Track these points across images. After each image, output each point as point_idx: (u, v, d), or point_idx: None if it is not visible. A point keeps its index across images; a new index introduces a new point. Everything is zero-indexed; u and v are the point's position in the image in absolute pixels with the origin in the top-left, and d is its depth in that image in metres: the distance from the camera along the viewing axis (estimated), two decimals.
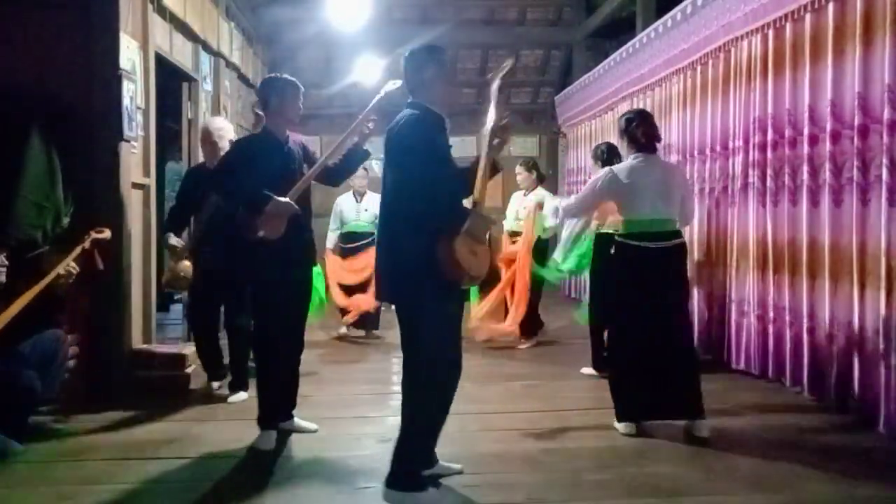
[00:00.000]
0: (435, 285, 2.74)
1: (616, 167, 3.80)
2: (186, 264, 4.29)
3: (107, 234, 3.87)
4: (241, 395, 4.31)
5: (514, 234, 6.05)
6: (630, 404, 3.68)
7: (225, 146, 4.26)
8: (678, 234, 3.70)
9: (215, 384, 4.48)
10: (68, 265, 3.59)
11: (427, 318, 2.80)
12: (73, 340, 4.00)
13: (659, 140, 3.87)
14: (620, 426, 3.69)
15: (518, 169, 6.17)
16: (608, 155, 4.82)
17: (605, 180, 3.74)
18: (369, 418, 4.03)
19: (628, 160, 3.77)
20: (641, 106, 6.86)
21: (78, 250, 3.68)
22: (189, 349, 4.66)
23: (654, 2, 7.67)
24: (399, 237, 2.82)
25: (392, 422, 3.94)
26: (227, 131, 4.48)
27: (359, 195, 6.53)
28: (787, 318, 4.41)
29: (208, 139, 4.40)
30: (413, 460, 2.89)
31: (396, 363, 5.57)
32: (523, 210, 6.01)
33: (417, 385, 2.85)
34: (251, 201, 3.44)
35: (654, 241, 3.61)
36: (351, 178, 6.60)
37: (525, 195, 6.13)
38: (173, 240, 4.33)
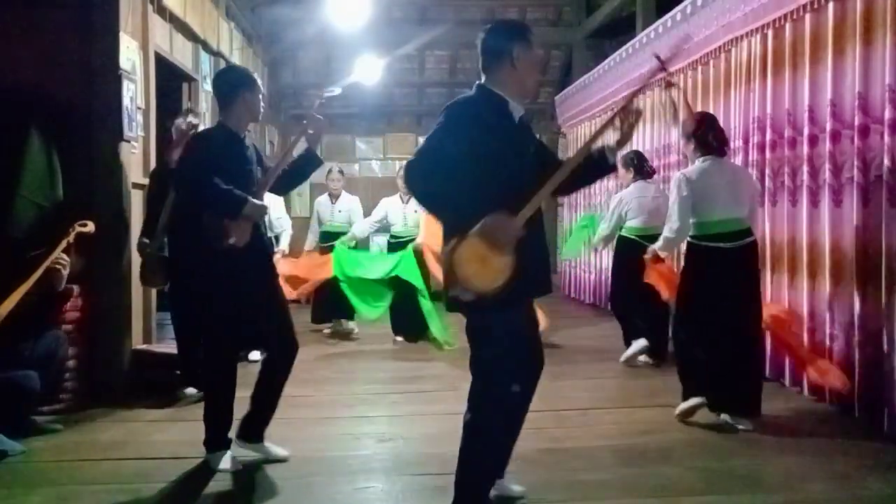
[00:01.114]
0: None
1: (686, 171, 3.84)
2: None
3: (90, 227, 3.86)
4: None
5: None
6: (704, 387, 3.69)
7: None
8: (749, 232, 3.74)
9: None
10: (58, 258, 3.60)
11: (482, 329, 2.49)
12: (73, 340, 4.01)
13: (728, 144, 3.97)
14: (693, 400, 3.70)
15: None
16: (638, 161, 5.31)
17: (682, 187, 3.75)
18: (369, 418, 4.02)
19: (697, 163, 3.82)
20: (641, 106, 6.86)
21: (63, 244, 3.67)
22: None
23: (654, 2, 7.69)
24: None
25: (392, 421, 3.95)
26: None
27: (334, 197, 6.66)
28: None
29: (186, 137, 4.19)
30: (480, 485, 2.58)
31: (396, 363, 5.58)
32: None
33: (481, 405, 2.55)
34: (229, 202, 3.02)
35: (728, 241, 3.65)
36: (328, 181, 6.68)
37: None
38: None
